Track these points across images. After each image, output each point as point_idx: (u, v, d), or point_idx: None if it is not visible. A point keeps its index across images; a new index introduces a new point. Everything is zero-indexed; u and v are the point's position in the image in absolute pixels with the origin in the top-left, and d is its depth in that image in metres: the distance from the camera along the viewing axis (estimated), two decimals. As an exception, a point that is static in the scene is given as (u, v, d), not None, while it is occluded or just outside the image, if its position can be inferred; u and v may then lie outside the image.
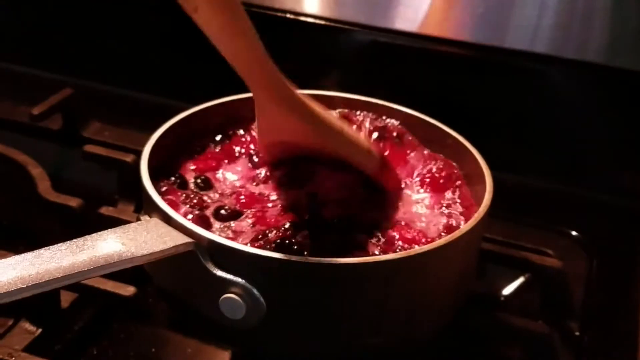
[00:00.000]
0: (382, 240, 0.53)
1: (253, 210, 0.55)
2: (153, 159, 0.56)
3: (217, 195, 0.57)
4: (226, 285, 0.48)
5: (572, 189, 0.77)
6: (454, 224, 0.55)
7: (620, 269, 0.68)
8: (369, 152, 0.59)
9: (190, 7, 0.47)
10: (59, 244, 0.46)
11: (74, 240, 0.46)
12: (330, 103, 0.66)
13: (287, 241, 0.50)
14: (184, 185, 0.57)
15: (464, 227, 0.51)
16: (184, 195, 0.56)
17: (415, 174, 0.60)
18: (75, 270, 0.44)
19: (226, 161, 0.61)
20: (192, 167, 0.60)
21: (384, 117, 0.65)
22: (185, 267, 0.49)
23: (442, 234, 0.54)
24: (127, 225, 0.49)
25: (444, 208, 0.57)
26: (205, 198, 0.56)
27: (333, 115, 0.60)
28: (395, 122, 0.64)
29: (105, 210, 0.63)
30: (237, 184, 0.59)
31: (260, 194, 0.57)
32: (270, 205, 0.56)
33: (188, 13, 0.47)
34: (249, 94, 0.65)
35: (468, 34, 0.79)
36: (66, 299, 0.58)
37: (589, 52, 0.75)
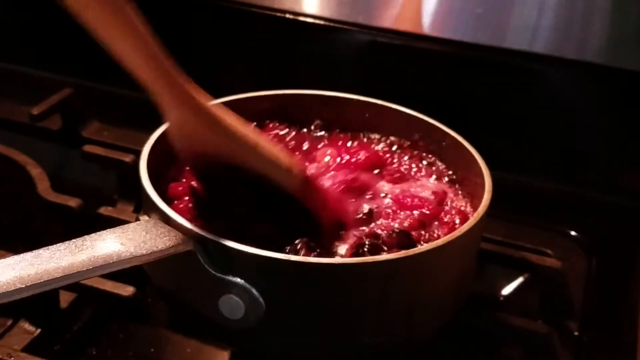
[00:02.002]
0: None
1: None
2: (152, 160, 0.56)
3: None
4: (225, 285, 0.48)
5: (572, 189, 0.77)
6: None
7: (619, 269, 0.68)
8: (288, 170, 0.55)
9: None
10: (58, 244, 0.46)
11: (73, 240, 0.46)
12: (330, 103, 0.66)
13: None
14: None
15: (464, 227, 0.51)
16: None
17: None
18: (74, 270, 0.44)
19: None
20: None
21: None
22: (184, 267, 0.49)
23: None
24: (126, 226, 0.49)
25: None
26: None
27: (248, 128, 0.56)
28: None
29: (105, 210, 0.63)
30: None
31: None
32: None
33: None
34: (249, 94, 0.65)
35: (468, 34, 0.79)
36: (65, 299, 0.58)
37: (588, 52, 0.75)
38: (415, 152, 0.64)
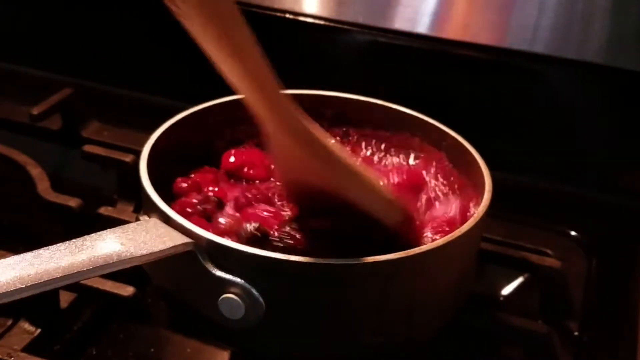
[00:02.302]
0: None
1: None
2: (152, 160, 0.56)
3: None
4: (225, 285, 0.48)
5: (572, 189, 0.77)
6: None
7: (619, 269, 0.68)
8: (390, 204, 0.53)
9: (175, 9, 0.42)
10: (58, 244, 0.46)
11: (73, 240, 0.46)
12: (330, 103, 0.66)
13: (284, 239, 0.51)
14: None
15: (464, 227, 0.51)
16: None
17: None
18: (74, 270, 0.44)
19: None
20: None
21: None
22: (184, 267, 0.49)
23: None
24: (126, 226, 0.49)
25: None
26: None
27: (354, 159, 0.54)
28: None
29: (105, 210, 0.63)
30: None
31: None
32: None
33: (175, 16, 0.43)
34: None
35: (468, 34, 0.79)
36: (65, 299, 0.58)
37: (588, 52, 0.75)
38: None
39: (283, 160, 0.52)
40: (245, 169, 0.60)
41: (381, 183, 0.54)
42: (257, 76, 0.46)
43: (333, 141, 0.52)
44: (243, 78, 0.45)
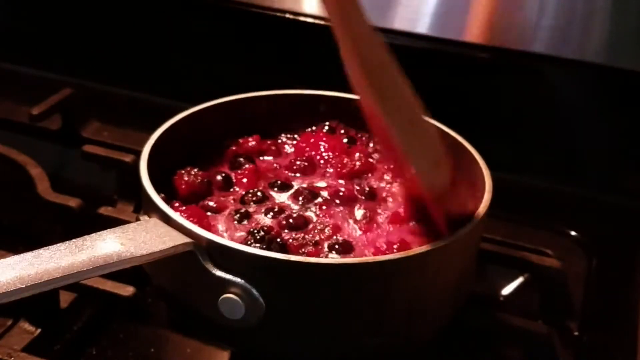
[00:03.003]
0: None
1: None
2: (152, 160, 0.56)
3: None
4: (225, 285, 0.48)
5: (572, 189, 0.77)
6: None
7: (619, 269, 0.68)
8: (436, 164, 0.52)
9: None
10: (58, 244, 0.46)
11: (73, 240, 0.46)
12: (330, 103, 0.66)
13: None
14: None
15: (464, 227, 0.51)
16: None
17: None
18: (74, 270, 0.44)
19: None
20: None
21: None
22: (184, 267, 0.49)
23: None
24: (126, 226, 0.49)
25: None
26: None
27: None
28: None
29: (105, 210, 0.63)
30: None
31: None
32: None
33: None
34: (249, 94, 0.65)
35: (468, 34, 0.79)
36: (65, 299, 0.58)
37: (588, 52, 0.75)
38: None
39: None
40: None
41: (437, 137, 0.54)
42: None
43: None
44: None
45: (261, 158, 0.63)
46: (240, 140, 0.63)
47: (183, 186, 0.57)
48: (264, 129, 0.65)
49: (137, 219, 0.53)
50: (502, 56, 0.78)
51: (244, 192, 0.58)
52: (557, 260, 0.64)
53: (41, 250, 0.45)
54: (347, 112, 0.66)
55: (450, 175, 0.52)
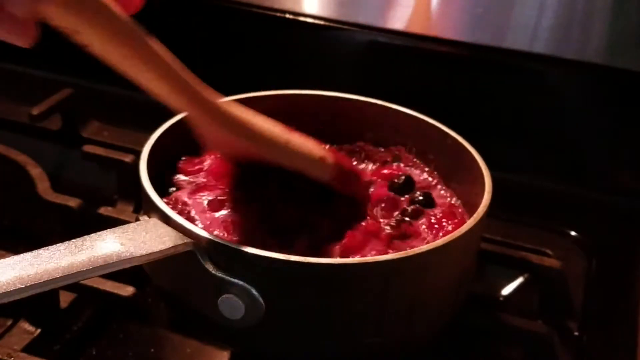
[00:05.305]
0: None
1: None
2: (152, 160, 0.56)
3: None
4: (225, 285, 0.48)
5: (572, 189, 0.77)
6: None
7: (619, 269, 0.68)
8: (321, 162, 0.56)
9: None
10: (58, 244, 0.46)
11: (73, 240, 0.46)
12: (330, 103, 0.66)
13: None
14: None
15: (464, 227, 0.51)
16: None
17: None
18: (74, 270, 0.44)
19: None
20: None
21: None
22: (184, 268, 0.49)
23: None
24: (126, 226, 0.49)
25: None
26: None
27: (278, 128, 0.56)
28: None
29: (104, 210, 0.63)
30: None
31: None
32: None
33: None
34: (249, 94, 0.65)
35: (468, 34, 0.79)
36: (65, 299, 0.58)
37: (588, 52, 0.75)
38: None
39: (213, 144, 0.55)
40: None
41: (308, 144, 0.57)
42: (173, 82, 0.49)
43: (255, 116, 0.54)
44: (160, 86, 0.48)
45: None
46: None
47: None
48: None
49: (137, 219, 0.53)
50: (502, 56, 0.78)
51: None
52: (557, 260, 0.64)
53: (41, 251, 0.45)
54: (347, 112, 0.66)
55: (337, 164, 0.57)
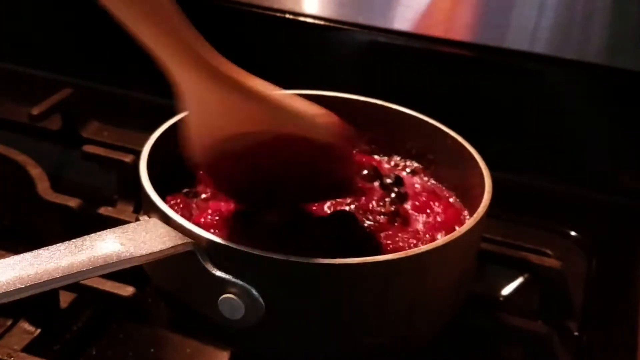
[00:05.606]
0: None
1: None
2: (152, 160, 0.56)
3: None
4: (225, 285, 0.48)
5: (572, 189, 0.77)
6: None
7: (619, 269, 0.68)
8: (316, 120, 0.53)
9: None
10: (58, 244, 0.46)
11: (73, 240, 0.46)
12: (330, 103, 0.66)
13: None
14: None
15: (464, 227, 0.51)
16: None
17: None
18: (74, 270, 0.44)
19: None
20: None
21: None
22: (184, 268, 0.49)
23: None
24: (126, 226, 0.49)
25: None
26: None
27: (270, 85, 0.53)
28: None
29: (104, 210, 0.63)
30: None
31: None
32: None
33: None
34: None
35: (468, 34, 0.79)
36: (65, 299, 0.58)
37: (588, 52, 0.75)
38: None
39: (206, 115, 0.51)
40: None
41: (301, 102, 0.54)
42: (162, 25, 0.47)
43: (246, 75, 0.51)
44: (147, 23, 0.47)
45: None
46: None
47: None
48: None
49: (137, 219, 0.53)
50: (502, 56, 0.78)
51: None
52: (557, 260, 0.64)
53: (41, 251, 0.45)
54: (347, 112, 0.66)
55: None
